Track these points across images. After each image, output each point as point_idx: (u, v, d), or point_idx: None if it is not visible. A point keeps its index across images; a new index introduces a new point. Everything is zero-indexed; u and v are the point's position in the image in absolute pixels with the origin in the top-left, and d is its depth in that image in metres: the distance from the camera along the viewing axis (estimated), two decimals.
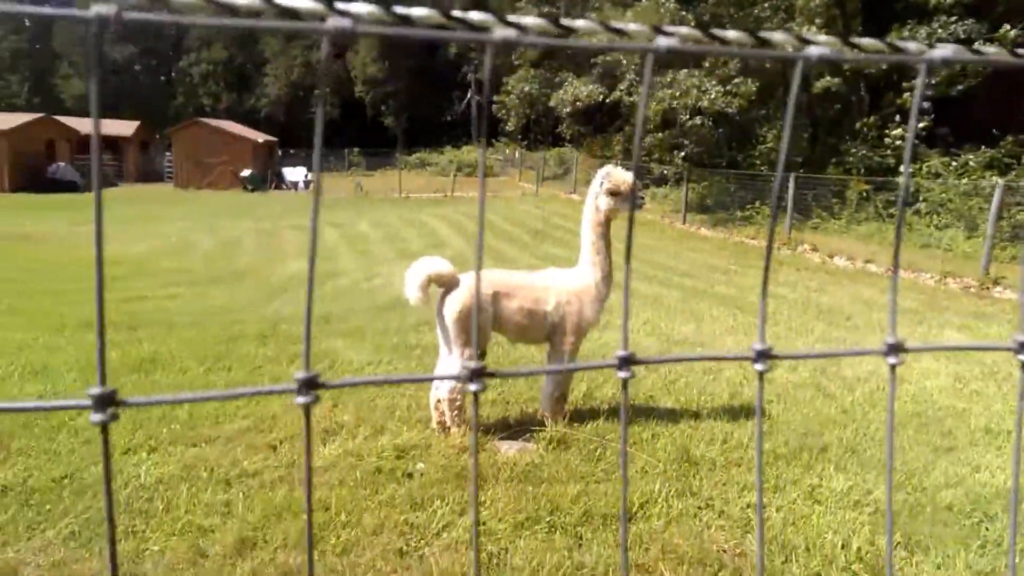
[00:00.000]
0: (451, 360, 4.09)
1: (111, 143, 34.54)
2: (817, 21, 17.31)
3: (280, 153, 36.05)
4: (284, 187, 29.35)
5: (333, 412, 4.30)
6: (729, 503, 3.40)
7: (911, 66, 0.61)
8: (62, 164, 28.80)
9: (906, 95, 15.13)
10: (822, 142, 19.45)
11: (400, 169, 31.70)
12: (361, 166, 36.33)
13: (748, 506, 3.38)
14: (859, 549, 3.02)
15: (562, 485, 3.47)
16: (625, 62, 20.61)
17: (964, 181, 13.84)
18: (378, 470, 3.51)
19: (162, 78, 54.14)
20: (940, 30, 13.65)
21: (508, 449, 3.89)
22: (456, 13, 0.63)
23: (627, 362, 0.66)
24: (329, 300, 8.19)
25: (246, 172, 28.72)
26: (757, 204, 17.10)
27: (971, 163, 14.53)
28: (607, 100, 23.30)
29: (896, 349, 0.65)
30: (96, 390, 0.54)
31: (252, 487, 3.32)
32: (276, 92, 45.39)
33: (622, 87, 21.26)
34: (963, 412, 4.76)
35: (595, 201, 4.26)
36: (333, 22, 0.56)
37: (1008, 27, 13.15)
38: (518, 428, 4.18)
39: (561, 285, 4.29)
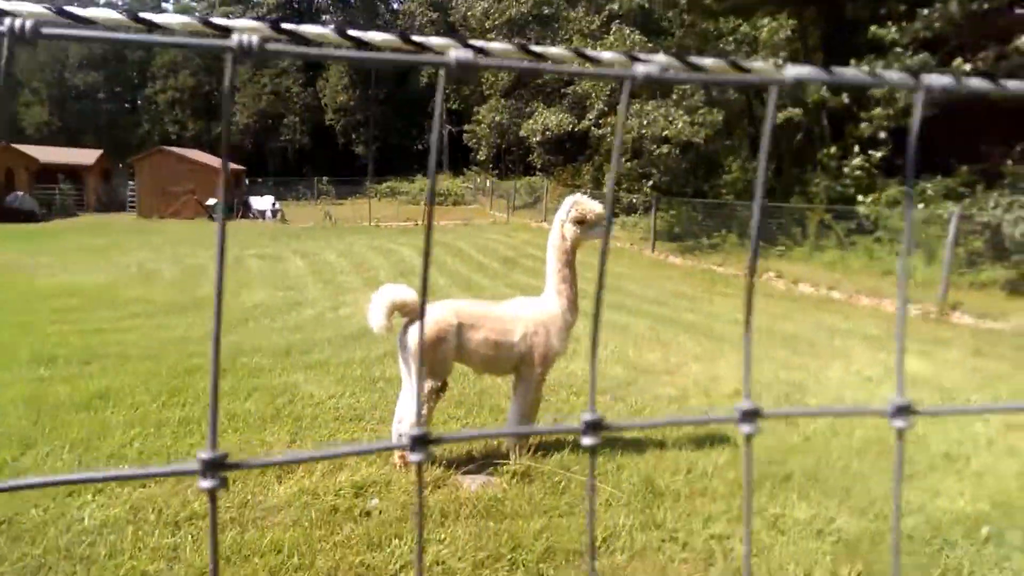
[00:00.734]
0: (413, 391, 4.01)
1: (72, 172, 33.92)
2: (781, 55, 17.78)
3: (247, 182, 35.74)
4: (251, 216, 29.04)
5: (290, 449, 4.18)
6: (693, 535, 3.36)
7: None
8: (20, 193, 28.16)
9: (863, 125, 15.53)
10: (786, 172, 19.87)
11: (370, 197, 31.62)
12: (331, 194, 36.18)
13: (712, 537, 3.34)
14: None
15: (525, 520, 3.40)
16: (594, 93, 20.92)
17: (921, 208, 14.20)
18: (335, 509, 3.40)
19: (127, 105, 53.57)
20: (895, 63, 14.07)
21: (471, 484, 3.81)
22: (416, 38, 0.60)
23: (594, 427, 0.60)
24: (292, 331, 8.05)
25: (212, 201, 28.39)
26: (724, 232, 17.35)
27: (928, 192, 14.92)
28: (576, 129, 23.62)
29: (904, 411, 0.61)
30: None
31: (201, 529, 3.20)
32: (244, 120, 45.15)
33: (591, 116, 21.55)
34: (922, 438, 4.80)
35: (561, 229, 4.25)
36: (238, 38, 0.52)
37: (961, 60, 13.62)
38: (482, 461, 4.11)
39: (528, 315, 4.25)
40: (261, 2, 46.43)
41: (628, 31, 18.82)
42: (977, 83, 0.65)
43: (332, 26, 0.61)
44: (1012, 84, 0.64)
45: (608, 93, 19.87)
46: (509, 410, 4.40)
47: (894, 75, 0.64)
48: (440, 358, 3.98)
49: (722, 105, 18.14)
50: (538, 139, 25.51)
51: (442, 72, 0.56)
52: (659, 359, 7.14)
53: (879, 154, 15.50)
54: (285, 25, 0.59)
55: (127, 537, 3.11)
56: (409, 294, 3.96)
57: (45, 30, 0.52)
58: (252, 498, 3.50)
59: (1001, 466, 4.40)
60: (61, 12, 0.58)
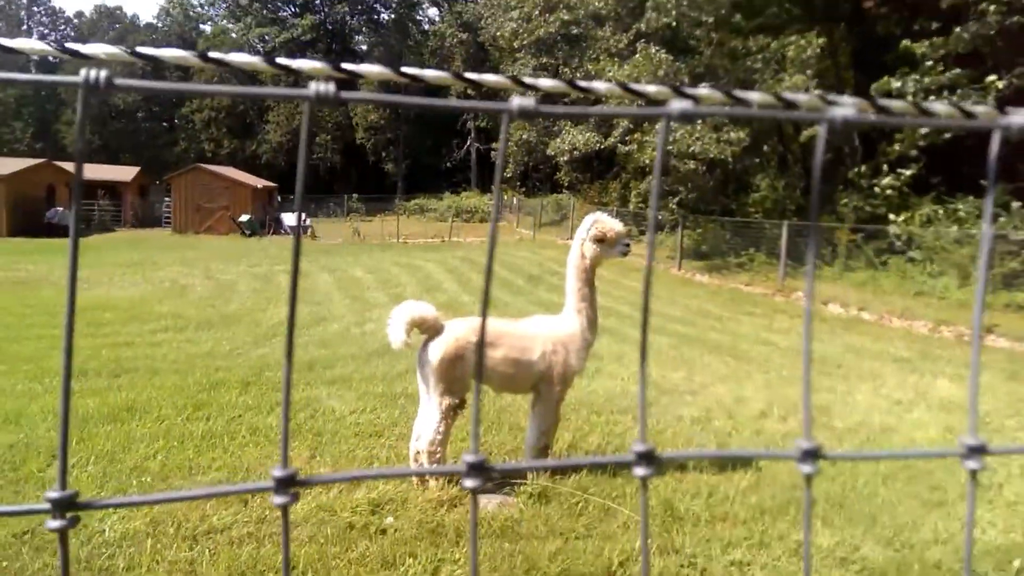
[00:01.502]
0: (431, 408, 4.02)
1: (111, 188, 34.81)
2: (808, 72, 17.64)
3: (279, 199, 36.34)
4: (282, 232, 29.49)
5: (310, 464, 4.21)
6: (712, 560, 3.30)
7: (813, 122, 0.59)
8: (60, 209, 28.95)
9: (896, 144, 15.31)
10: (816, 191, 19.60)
11: (399, 214, 31.93)
12: (360, 212, 36.59)
13: (731, 564, 3.28)
14: None
15: (540, 542, 3.37)
16: (617, 107, 20.89)
17: (954, 229, 13.92)
18: (351, 526, 3.41)
19: (164, 124, 54.94)
20: (927, 79, 13.88)
21: (487, 503, 3.79)
22: (471, 75, 0.62)
23: (647, 458, 0.58)
24: (317, 346, 8.13)
25: (244, 217, 28.88)
26: (751, 251, 17.17)
27: (961, 212, 14.63)
28: (603, 147, 23.64)
29: (978, 452, 0.59)
30: (279, 472, 0.50)
31: (219, 543, 3.22)
32: (277, 138, 45.99)
33: (617, 134, 21.56)
34: (953, 465, 4.66)
35: (581, 248, 4.25)
36: (315, 87, 0.55)
37: (995, 77, 13.39)
38: (499, 481, 4.08)
39: (547, 333, 4.24)
40: (296, 24, 47.41)
41: (655, 50, 18.82)
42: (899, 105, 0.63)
43: (390, 68, 0.63)
44: (938, 107, 0.62)
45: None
46: (527, 429, 4.38)
47: (940, 107, 0.63)
48: (458, 376, 3.98)
49: (748, 123, 18.02)
50: (566, 158, 25.57)
51: (506, 119, 0.58)
52: (683, 379, 7.06)
53: (909, 172, 15.25)
54: (346, 65, 0.62)
55: (146, 550, 3.15)
56: (429, 311, 3.98)
57: (118, 81, 0.55)
58: (269, 514, 3.52)
59: None
60: (135, 53, 0.61)
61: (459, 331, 4.04)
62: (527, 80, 0.64)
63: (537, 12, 25.63)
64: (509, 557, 3.15)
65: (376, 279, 14.95)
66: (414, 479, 3.94)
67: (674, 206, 19.91)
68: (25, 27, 59.80)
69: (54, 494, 0.48)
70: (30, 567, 3.01)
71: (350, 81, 0.69)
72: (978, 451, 0.58)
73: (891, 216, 15.20)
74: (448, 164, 46.03)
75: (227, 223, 29.61)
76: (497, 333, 4.15)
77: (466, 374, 4.03)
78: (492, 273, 0.58)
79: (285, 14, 50.01)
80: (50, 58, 0.61)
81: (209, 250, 23.23)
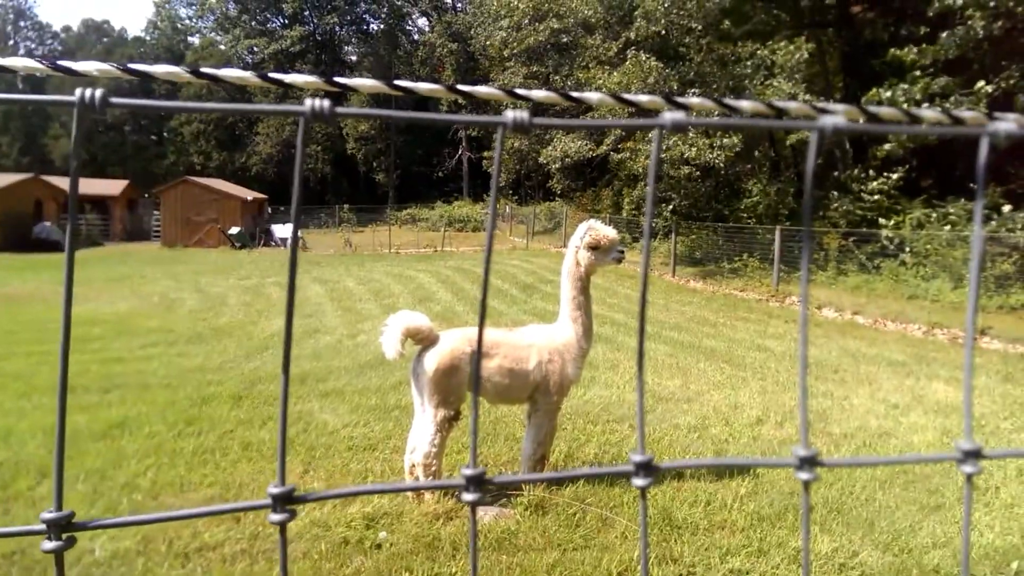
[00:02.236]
0: (426, 420, 3.97)
1: (99, 202, 34.65)
2: (797, 77, 17.75)
3: (269, 210, 36.24)
4: (273, 244, 29.39)
5: (304, 479, 4.15)
6: (711, 569, 3.27)
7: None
8: (47, 224, 28.78)
9: (887, 146, 15.38)
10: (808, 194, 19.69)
11: (390, 224, 31.90)
12: (352, 222, 36.52)
13: (730, 572, 3.25)
14: None
15: (538, 553, 3.32)
16: (611, 119, 21.00)
17: (947, 231, 13.99)
18: (345, 541, 3.36)
19: (153, 137, 54.77)
20: (916, 86, 13.98)
21: (484, 515, 3.74)
22: (464, 87, 0.62)
23: (645, 468, 0.58)
24: (310, 358, 8.06)
25: (234, 230, 28.77)
26: (745, 256, 17.21)
27: (952, 215, 14.71)
28: (595, 155, 23.69)
29: (973, 456, 0.57)
30: (276, 489, 0.50)
31: (211, 561, 3.17)
32: (267, 150, 45.90)
33: (609, 142, 21.62)
34: (950, 468, 4.65)
35: (576, 255, 4.22)
36: (310, 103, 0.55)
37: (983, 83, 13.49)
38: (496, 492, 4.04)
39: (542, 343, 4.20)
40: (285, 35, 47.42)
41: (645, 57, 18.91)
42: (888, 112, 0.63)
43: (382, 81, 0.64)
44: (927, 113, 0.61)
45: (626, 118, 19.92)
46: (524, 439, 4.34)
47: (929, 113, 0.63)
48: (454, 387, 3.94)
49: (739, 129, 18.12)
50: (557, 165, 25.61)
51: (501, 131, 0.59)
52: (679, 386, 7.04)
53: (895, 175, 15.35)
54: (340, 80, 0.62)
55: (137, 570, 3.09)
56: (423, 321, 3.95)
57: (114, 100, 0.55)
58: (262, 530, 3.47)
59: None
60: (127, 70, 0.60)
61: (454, 341, 4.01)
62: (520, 91, 0.64)
63: (527, 21, 25.70)
64: (507, 570, 3.11)
65: (368, 290, 14.90)
66: (409, 494, 3.90)
67: (668, 213, 19.95)
68: (12, 42, 59.59)
69: (49, 515, 0.47)
70: None
71: (340, 93, 0.68)
72: (974, 455, 0.56)
73: (881, 220, 15.28)
74: (440, 173, 46.04)
75: (217, 236, 29.49)
76: (492, 343, 4.12)
77: (461, 385, 4.00)
78: (488, 285, 0.56)
79: (274, 26, 50.02)
80: (36, 73, 0.61)
81: (199, 263, 23.11)
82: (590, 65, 21.85)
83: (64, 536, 0.47)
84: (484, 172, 37.22)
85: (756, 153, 21.41)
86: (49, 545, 0.45)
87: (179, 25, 56.29)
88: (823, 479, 4.44)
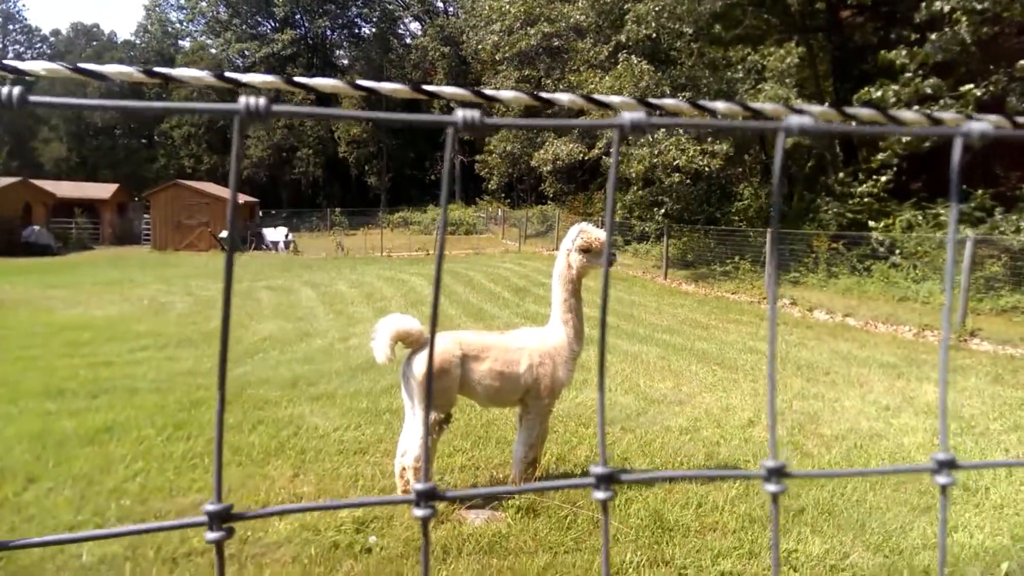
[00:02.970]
0: (416, 423, 3.96)
1: (88, 206, 34.46)
2: (787, 81, 17.83)
3: (260, 214, 36.12)
4: (264, 247, 29.28)
5: (293, 483, 4.13)
6: (703, 571, 3.26)
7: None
8: (36, 228, 28.58)
9: (880, 155, 15.45)
10: (798, 198, 19.82)
11: (382, 228, 31.83)
12: (344, 225, 36.45)
13: (722, 574, 3.24)
14: None
15: (529, 557, 3.31)
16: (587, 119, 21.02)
17: (939, 234, 14.07)
18: (335, 545, 3.33)
19: (143, 140, 54.51)
20: (906, 89, 14.06)
21: (475, 519, 3.73)
22: (429, 88, 0.61)
23: (606, 480, 0.56)
24: (301, 362, 8.03)
25: (225, 233, 28.66)
26: (736, 259, 17.26)
27: (942, 217, 14.80)
28: (587, 159, 23.74)
29: (947, 466, 0.57)
30: (212, 507, 0.48)
31: (200, 566, 3.14)
32: (258, 153, 45.76)
33: (600, 146, 21.65)
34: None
35: (567, 258, 4.22)
36: (245, 101, 0.53)
37: (972, 86, 13.59)
38: (497, 496, 4.03)
39: (533, 346, 4.19)
40: (276, 39, 47.32)
41: (636, 61, 18.96)
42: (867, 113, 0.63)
43: (343, 80, 0.62)
44: (907, 115, 0.61)
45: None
46: (515, 442, 4.33)
47: (908, 114, 0.63)
48: (443, 390, 3.92)
49: (731, 134, 18.18)
50: (549, 168, 25.65)
51: (451, 132, 0.58)
52: (670, 388, 7.04)
53: (883, 178, 15.44)
54: (299, 79, 0.61)
55: (125, 575, 3.06)
56: (413, 324, 3.93)
57: (33, 98, 0.54)
58: (252, 534, 3.44)
59: (1022, 497, 4.26)
60: (76, 69, 0.58)
61: (444, 345, 3.99)
62: (488, 91, 0.63)
63: (518, 25, 25.73)
64: (497, 573, 3.10)
65: (360, 293, 14.86)
66: (400, 494, 3.87)
67: (659, 216, 20.00)
68: (0, 46, 59.24)
69: (212, 507, 0.47)
70: None
71: (329, 97, 0.67)
72: (948, 465, 0.55)
73: (871, 223, 15.36)
74: (432, 177, 46.01)
75: (208, 239, 29.37)
76: (483, 346, 4.10)
77: (452, 388, 3.98)
78: (440, 286, 0.55)
79: (265, 29, 49.92)
80: None
81: (189, 267, 23.00)
82: (581, 69, 21.89)
83: (224, 526, 0.47)
84: (477, 175, 37.21)
85: (747, 157, 21.49)
86: (212, 536, 0.45)
87: (169, 29, 56.07)
88: (814, 481, 4.45)
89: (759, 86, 17.54)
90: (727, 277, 16.95)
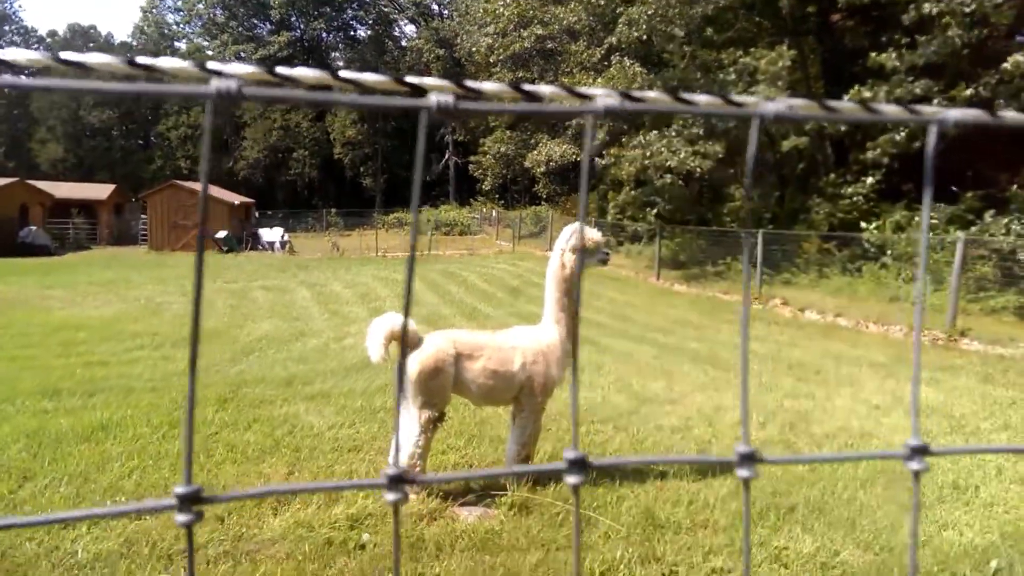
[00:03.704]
0: (410, 421, 3.99)
1: (85, 207, 34.38)
2: (779, 84, 17.90)
3: (257, 215, 36.08)
4: (260, 248, 29.27)
5: (287, 480, 4.15)
6: (693, 568, 3.30)
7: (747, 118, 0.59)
8: (34, 228, 28.50)
9: (869, 153, 15.55)
10: (789, 199, 19.91)
11: (377, 228, 31.84)
12: (339, 226, 36.44)
13: (712, 571, 3.28)
14: None
15: (522, 553, 3.35)
16: (599, 124, 21.14)
17: (929, 236, 14.15)
18: (329, 542, 3.36)
19: (140, 141, 54.40)
20: (897, 90, 14.15)
21: (468, 515, 3.76)
22: (411, 79, 0.61)
23: (579, 465, 0.57)
24: (296, 361, 8.05)
25: (221, 234, 28.62)
26: (728, 260, 17.33)
27: (933, 219, 14.88)
28: (580, 160, 23.78)
29: (920, 452, 0.59)
30: (182, 489, 0.49)
31: (195, 563, 3.16)
32: (254, 155, 45.73)
33: (593, 148, 21.71)
34: (931, 467, 4.71)
35: (562, 258, 4.26)
36: (216, 84, 0.53)
37: (964, 85, 13.69)
38: (480, 492, 4.06)
39: (527, 344, 4.23)
40: (272, 40, 47.32)
41: (628, 63, 19.03)
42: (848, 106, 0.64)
43: (326, 71, 0.61)
44: (886, 108, 0.64)
45: (611, 124, 20.00)
46: (508, 440, 4.36)
47: (886, 106, 0.64)
48: (438, 388, 3.96)
49: (723, 135, 18.26)
50: (542, 170, 25.71)
51: (423, 116, 0.57)
52: (663, 388, 7.09)
53: (870, 180, 15.54)
54: (281, 70, 0.59)
55: (119, 571, 3.08)
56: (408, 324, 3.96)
57: None
58: (247, 531, 3.47)
59: (1011, 495, 4.32)
60: (58, 59, 0.59)
61: (438, 343, 4.03)
62: (470, 83, 0.63)
63: (512, 27, 25.80)
64: (490, 570, 3.13)
65: (355, 293, 14.88)
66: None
67: (652, 217, 20.07)
68: None
69: (181, 489, 0.48)
70: None
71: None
72: (920, 452, 0.58)
73: (863, 224, 15.44)
74: (427, 178, 46.03)
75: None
76: (477, 345, 4.14)
77: (446, 387, 4.02)
78: (412, 283, 0.57)
79: (261, 31, 49.89)
80: None
81: (186, 267, 22.97)
82: (575, 71, 21.96)
83: (195, 509, 0.48)
84: (471, 176, 37.29)
85: (740, 158, 21.56)
86: (181, 518, 0.46)
87: (166, 31, 56.02)
88: (805, 479, 4.49)
89: (751, 89, 17.60)
90: (720, 277, 17.03)
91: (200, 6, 51.28)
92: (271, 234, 29.94)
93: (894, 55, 14.31)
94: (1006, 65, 12.69)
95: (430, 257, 25.04)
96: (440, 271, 19.45)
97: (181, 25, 55.62)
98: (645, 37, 18.77)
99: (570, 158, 24.72)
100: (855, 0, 16.07)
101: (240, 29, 49.32)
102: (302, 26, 49.74)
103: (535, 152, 25.61)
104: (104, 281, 18.00)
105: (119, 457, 4.56)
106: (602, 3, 20.73)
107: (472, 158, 35.58)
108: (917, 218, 15.23)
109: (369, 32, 50.96)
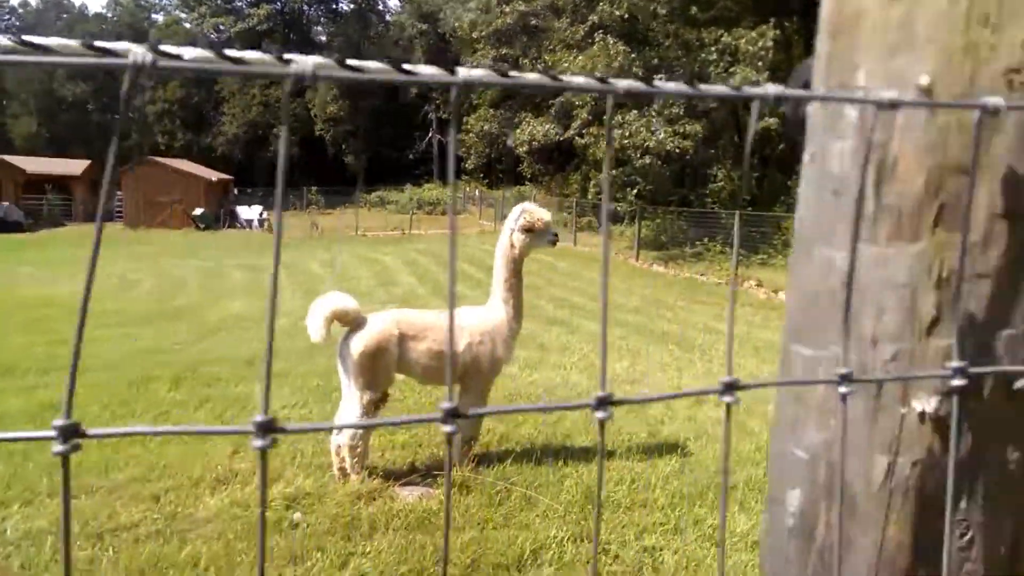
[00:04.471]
0: (352, 401, 3.97)
1: (60, 182, 33.88)
2: (759, 64, 17.84)
3: (235, 192, 35.72)
4: (238, 225, 29.01)
5: (232, 459, 4.14)
6: (625, 547, 3.33)
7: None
8: (6, 204, 28.09)
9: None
10: (769, 180, 19.96)
11: (359, 207, 31.61)
12: (320, 204, 36.15)
13: (644, 549, 3.31)
14: None
15: (456, 532, 3.35)
16: (579, 103, 21.00)
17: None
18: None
19: (115, 116, 53.52)
20: None
21: (408, 495, 3.77)
22: (104, 44, 0.60)
23: (452, 414, 0.60)
24: (262, 341, 8.00)
25: (198, 211, 28.35)
26: (706, 240, 17.38)
27: None
28: (563, 139, 23.67)
29: (732, 388, 0.62)
30: (60, 422, 0.51)
31: (124, 541, 3.15)
32: (233, 131, 45.13)
33: (575, 126, 21.61)
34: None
35: (510, 237, 4.23)
36: (133, 54, 0.52)
37: None
38: (423, 472, 4.07)
39: (473, 325, 4.21)
40: (252, 13, 46.52)
41: (612, 41, 18.88)
42: (671, 87, 0.64)
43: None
44: (710, 88, 0.63)
45: (593, 103, 19.89)
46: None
47: (577, 79, 0.64)
48: (380, 369, 3.94)
49: (705, 116, 18.22)
50: (525, 149, 25.57)
51: (455, 91, 0.57)
52: (624, 369, 7.12)
53: None
54: (230, 52, 0.59)
55: (45, 550, 3.06)
56: (348, 303, 3.93)
57: None
58: (182, 510, 3.46)
59: None
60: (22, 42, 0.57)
61: (382, 324, 4.00)
62: (407, 67, 0.62)
63: (495, 2, 25.52)
64: (420, 549, 3.14)
65: (331, 273, 14.80)
66: (336, 473, 3.90)
67: (632, 197, 20.05)
68: None
69: (60, 422, 0.50)
70: None
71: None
72: (732, 387, 0.61)
73: None
74: (410, 156, 45.67)
75: (181, 217, 29.03)
76: (422, 326, 4.12)
77: (388, 368, 4.00)
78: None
79: (240, 3, 49.00)
80: None
81: (161, 245, 22.76)
82: (557, 49, 21.79)
83: (71, 441, 0.49)
84: (455, 155, 37.03)
85: (722, 140, 21.55)
86: (58, 448, 0.48)
87: (143, 2, 54.92)
88: (750, 459, 4.54)
89: (731, 68, 17.55)
90: (698, 259, 17.08)
91: None
92: (249, 212, 29.68)
93: None
94: None
95: (411, 236, 24.93)
96: (420, 250, 19.40)
97: None
98: (626, 16, 18.63)
99: (553, 138, 24.57)
100: None
101: (219, 1, 48.41)
102: None
103: (518, 131, 25.45)
104: (77, 258, 17.80)
105: None
106: None
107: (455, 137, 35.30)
108: None
109: (352, 6, 50.21)
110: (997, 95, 0.63)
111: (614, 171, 20.75)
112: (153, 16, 54.71)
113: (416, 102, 43.88)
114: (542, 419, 5.18)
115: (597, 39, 19.33)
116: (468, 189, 35.97)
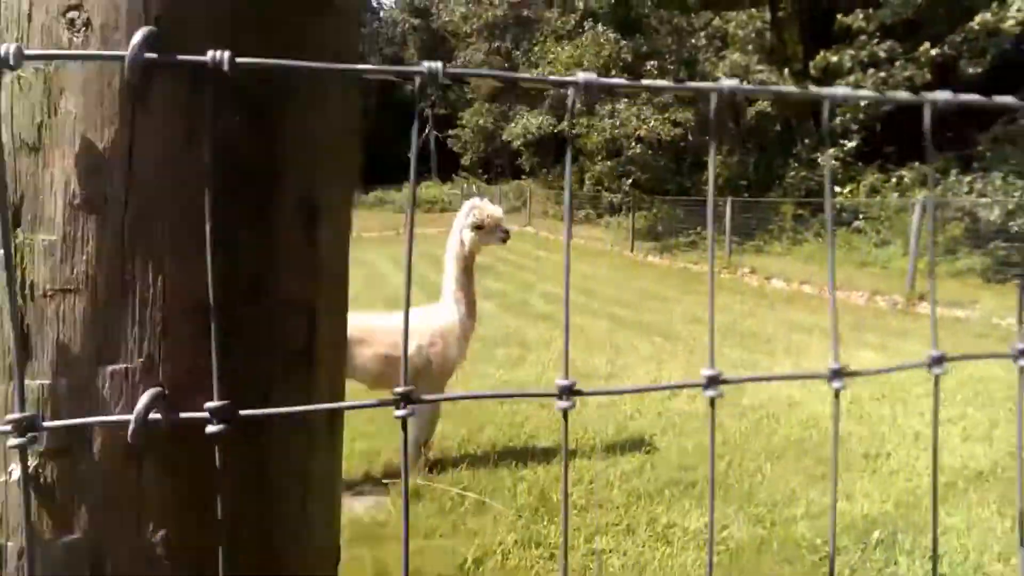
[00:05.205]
0: None
1: None
2: (749, 48, 17.66)
3: None
4: None
5: None
6: (573, 550, 3.24)
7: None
8: None
9: (838, 119, 15.38)
10: (765, 165, 19.74)
11: (356, 207, 31.53)
12: None
13: (591, 552, 3.22)
14: None
15: (399, 543, 3.27)
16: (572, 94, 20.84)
17: (896, 197, 14.05)
18: None
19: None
20: (863, 51, 13.95)
21: (359, 506, 3.69)
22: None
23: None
24: None
25: None
26: (700, 230, 17.20)
27: (906, 179, 14.75)
28: (557, 131, 23.54)
29: (715, 381, 0.62)
30: (562, 381, 0.58)
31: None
32: None
33: (567, 118, 21.46)
34: (847, 437, 4.66)
35: (459, 235, 4.15)
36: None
37: (929, 45, 13.50)
38: (379, 479, 3.99)
39: (422, 326, 4.12)
40: None
41: (602, 30, 18.72)
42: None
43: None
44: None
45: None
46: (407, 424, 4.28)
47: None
48: None
49: (693, 103, 18.05)
50: (520, 142, 25.45)
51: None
52: (605, 363, 7.02)
53: (850, 144, 15.37)
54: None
55: None
56: None
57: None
58: None
59: (920, 463, 4.26)
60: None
61: None
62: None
63: None
64: (354, 560, 3.06)
65: None
66: None
67: (627, 187, 19.89)
68: None
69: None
70: None
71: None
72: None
73: (836, 188, 15.31)
74: (408, 155, 45.51)
75: None
76: (368, 329, 4.03)
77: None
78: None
79: None
80: None
81: None
82: (547, 39, 21.65)
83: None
84: (452, 152, 36.88)
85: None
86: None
87: None
88: (716, 453, 4.42)
89: (722, 53, 17.37)
90: (692, 248, 16.92)
91: None
92: None
93: (861, 16, 14.08)
94: (972, 23, 12.51)
95: (406, 237, 24.80)
96: (415, 251, 19.28)
97: None
98: (613, 1, 18.48)
99: (548, 130, 24.43)
100: None
101: None
102: None
103: (512, 124, 25.32)
104: None
105: None
106: None
107: (451, 132, 35.22)
108: (892, 179, 15.07)
109: None
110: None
111: (608, 162, 20.61)
112: None
113: (412, 100, 43.67)
114: (508, 420, 5.10)
115: (588, 28, 19.18)
116: (465, 185, 35.88)
